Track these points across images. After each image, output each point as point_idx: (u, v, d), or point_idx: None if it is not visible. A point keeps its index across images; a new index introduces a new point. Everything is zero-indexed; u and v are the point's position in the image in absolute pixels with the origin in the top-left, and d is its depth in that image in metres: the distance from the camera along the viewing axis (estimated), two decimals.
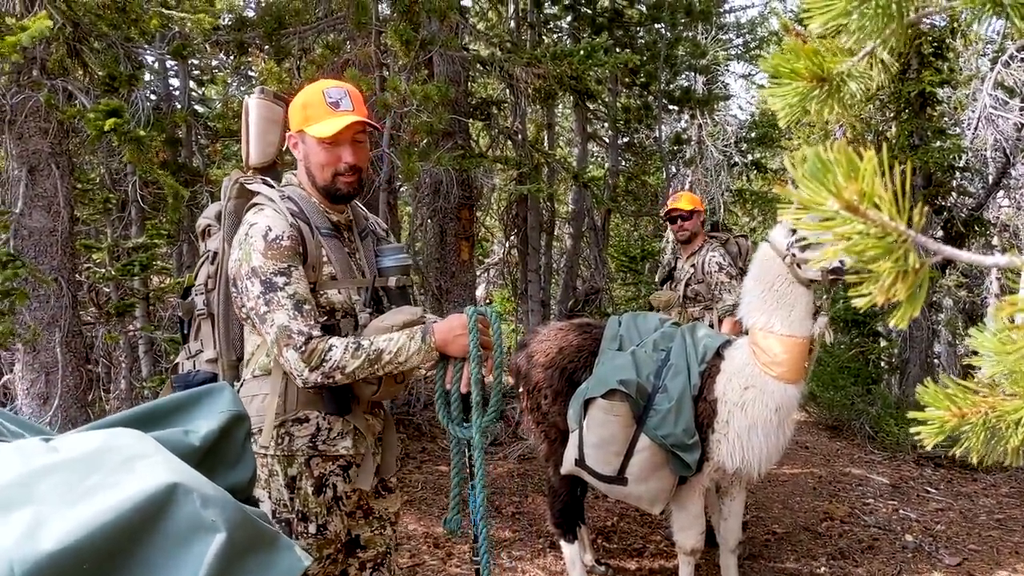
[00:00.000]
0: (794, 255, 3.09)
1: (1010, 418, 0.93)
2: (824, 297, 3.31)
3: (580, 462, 3.47)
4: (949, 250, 0.64)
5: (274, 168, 2.35)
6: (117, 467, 0.92)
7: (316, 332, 2.02)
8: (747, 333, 3.39)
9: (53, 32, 3.96)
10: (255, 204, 2.17)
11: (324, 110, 2.14)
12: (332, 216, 2.24)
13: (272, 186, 2.21)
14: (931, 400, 0.96)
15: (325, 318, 2.11)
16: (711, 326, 4.90)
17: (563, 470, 3.67)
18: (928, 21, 8.56)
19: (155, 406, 1.21)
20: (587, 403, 3.42)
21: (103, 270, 6.94)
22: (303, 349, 1.99)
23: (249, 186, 2.21)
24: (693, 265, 5.03)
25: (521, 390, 4.04)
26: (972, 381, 0.99)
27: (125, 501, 0.85)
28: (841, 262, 2.58)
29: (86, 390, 5.40)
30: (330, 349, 2.01)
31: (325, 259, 2.16)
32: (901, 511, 5.68)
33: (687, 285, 5.04)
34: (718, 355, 3.52)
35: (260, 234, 2.06)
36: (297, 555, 0.98)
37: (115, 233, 7.29)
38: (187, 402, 1.21)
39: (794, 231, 3.07)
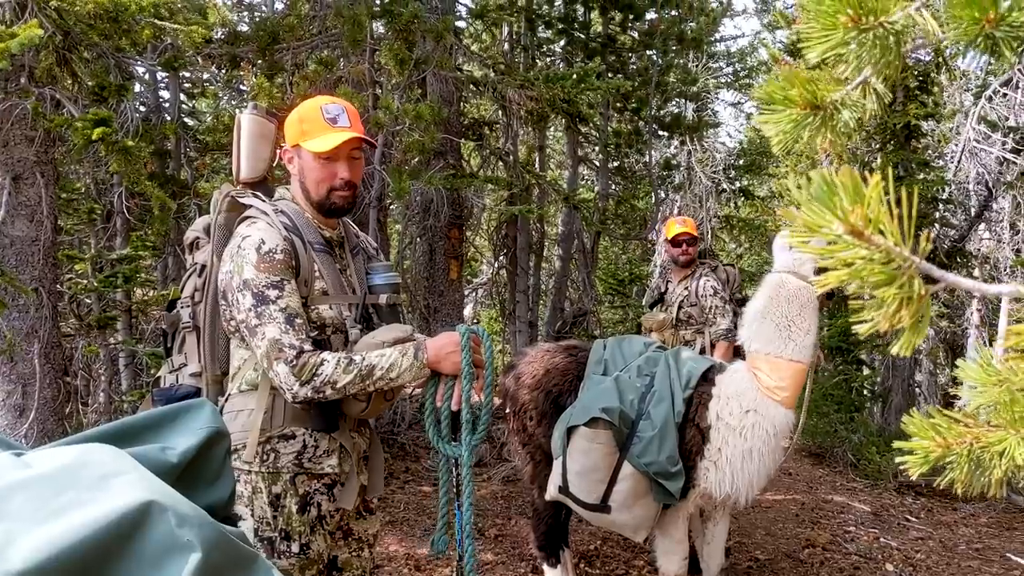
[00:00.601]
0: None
1: (994, 449, 0.92)
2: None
3: (564, 490, 3.43)
4: (952, 277, 0.63)
5: (264, 183, 2.34)
6: (92, 484, 0.89)
7: (307, 346, 2.00)
8: (742, 357, 3.40)
9: (43, 40, 3.93)
10: (248, 217, 2.15)
11: (322, 125, 2.14)
12: (325, 232, 2.23)
13: (264, 200, 2.20)
14: (917, 430, 0.96)
15: (316, 333, 2.09)
16: (703, 349, 4.92)
17: (547, 497, 3.64)
18: (914, 56, 8.70)
19: (132, 421, 1.19)
20: (570, 431, 3.39)
21: (85, 281, 6.88)
22: (294, 363, 1.97)
23: (241, 199, 2.20)
24: (687, 288, 5.06)
25: (508, 411, 4.01)
26: (956, 411, 0.98)
27: (98, 519, 0.82)
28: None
29: (64, 403, 5.32)
30: (321, 364, 1.99)
31: (317, 274, 2.14)
32: (882, 539, 5.67)
33: (680, 308, 5.06)
34: (706, 380, 3.50)
35: (253, 247, 2.04)
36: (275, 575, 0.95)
37: (99, 244, 7.24)
38: (165, 418, 1.19)
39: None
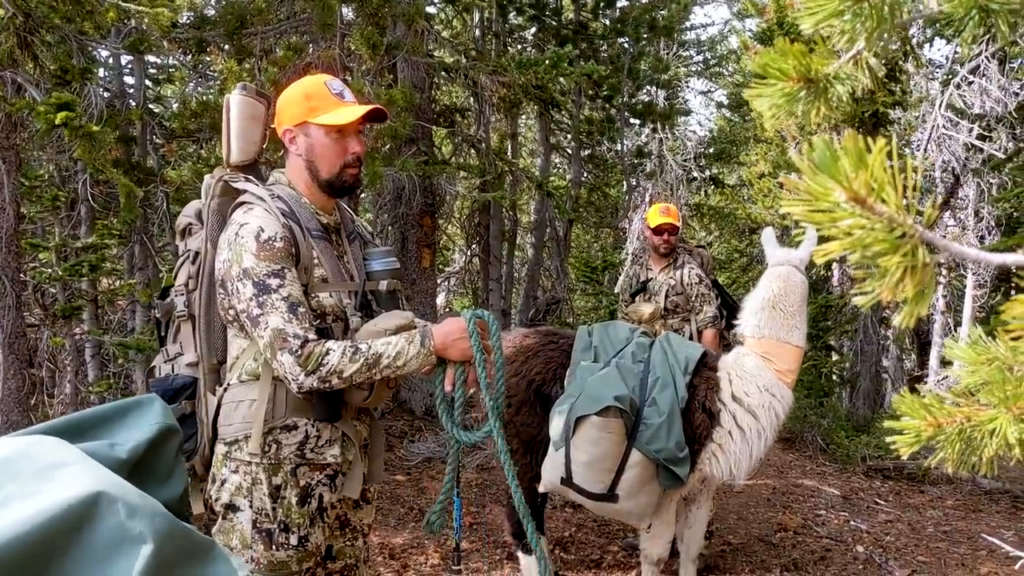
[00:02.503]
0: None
1: (985, 428, 0.92)
2: None
3: (567, 481, 3.38)
4: (956, 247, 0.62)
5: (255, 166, 2.27)
6: (35, 475, 0.85)
7: (312, 335, 1.96)
8: (737, 343, 3.53)
9: (3, 21, 3.81)
10: (244, 203, 2.09)
11: (332, 100, 2.10)
12: (322, 218, 2.18)
13: (258, 184, 2.14)
14: (908, 410, 0.95)
15: (317, 322, 2.05)
16: (690, 337, 4.93)
17: (543, 488, 3.58)
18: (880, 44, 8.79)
19: (80, 417, 1.14)
20: (578, 420, 3.32)
21: (50, 270, 6.72)
22: (299, 353, 1.93)
23: (235, 184, 2.14)
24: (671, 277, 5.06)
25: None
26: (945, 392, 0.98)
27: (43, 512, 0.78)
28: None
29: (29, 394, 5.21)
30: (327, 353, 1.95)
31: (316, 261, 2.10)
32: (852, 522, 5.76)
33: (667, 297, 5.06)
34: (704, 365, 3.55)
35: (252, 234, 1.99)
36: (233, 566, 0.92)
37: (63, 232, 7.06)
38: (114, 413, 1.15)
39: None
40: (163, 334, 2.28)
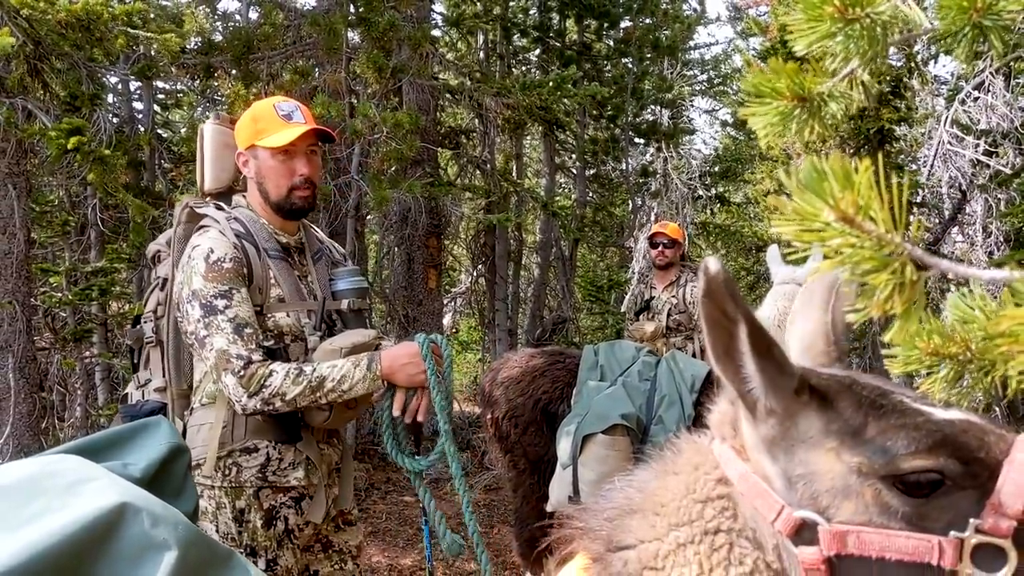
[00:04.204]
0: None
1: (991, 354, 0.85)
2: None
3: (574, 499, 3.38)
4: (946, 263, 0.63)
5: (230, 193, 2.30)
6: (62, 491, 0.89)
7: (256, 356, 1.96)
8: None
9: (14, 49, 3.88)
10: (202, 227, 2.12)
11: (277, 122, 2.11)
12: (281, 238, 2.19)
13: (222, 209, 2.16)
14: (903, 341, 0.90)
15: (272, 342, 2.05)
16: (694, 355, 4.92)
17: (550, 507, 3.58)
18: (885, 61, 8.82)
19: (92, 440, 1.19)
20: (585, 439, 3.31)
21: (60, 294, 6.77)
22: (242, 374, 1.93)
23: (198, 210, 2.17)
24: (674, 296, 5.06)
25: (488, 417, 3.97)
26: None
27: (73, 523, 0.82)
28: None
29: (39, 418, 5.23)
30: (270, 375, 1.94)
31: (272, 281, 2.11)
32: None
33: (669, 315, 5.06)
34: (710, 383, 3.53)
35: (202, 256, 2.01)
36: (252, 574, 0.94)
37: (73, 257, 7.12)
38: (125, 436, 1.19)
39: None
40: (136, 361, 2.29)
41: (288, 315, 2.11)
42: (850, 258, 0.64)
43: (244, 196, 2.24)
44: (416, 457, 2.18)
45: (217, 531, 2.03)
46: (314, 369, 1.98)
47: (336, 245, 2.47)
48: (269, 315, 2.08)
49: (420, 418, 2.12)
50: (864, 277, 0.64)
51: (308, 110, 2.20)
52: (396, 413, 2.11)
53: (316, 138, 2.16)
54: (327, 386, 1.98)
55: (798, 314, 1.16)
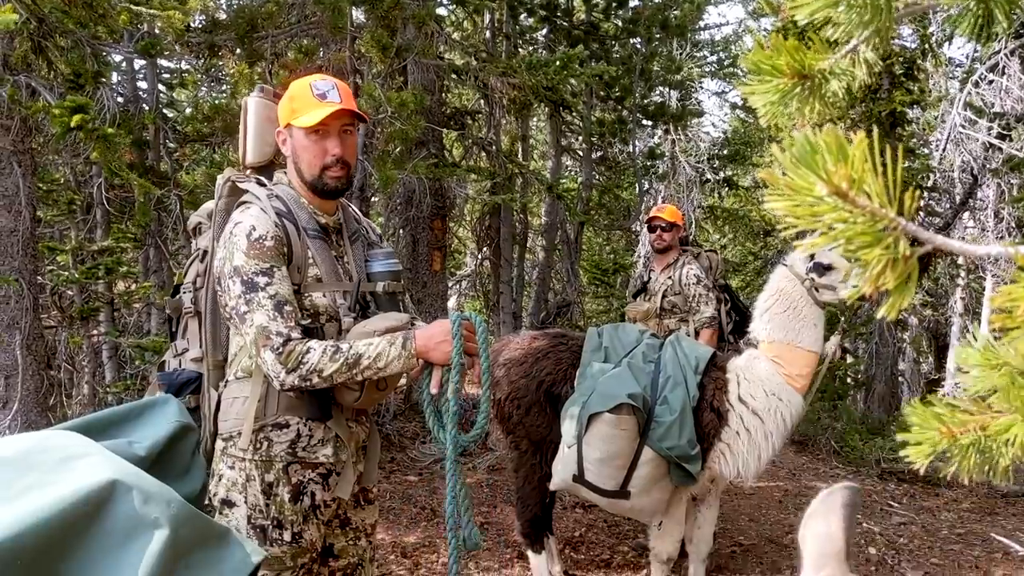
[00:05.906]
0: (812, 279, 3.39)
1: (1001, 437, 0.90)
2: (842, 318, 3.53)
3: (579, 478, 3.40)
4: (940, 239, 0.62)
5: (272, 167, 2.31)
6: (55, 466, 0.90)
7: (295, 334, 1.98)
8: (752, 346, 3.50)
9: (18, 26, 3.86)
10: (243, 202, 2.13)
11: (311, 101, 2.10)
12: (320, 218, 2.20)
13: (264, 185, 2.16)
14: (920, 420, 0.93)
15: (308, 321, 2.06)
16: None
17: (554, 486, 3.61)
18: (899, 42, 8.71)
19: (98, 417, 1.19)
20: (591, 418, 3.36)
21: (67, 273, 6.80)
22: (280, 351, 1.95)
23: (240, 184, 2.17)
24: (670, 277, 5.04)
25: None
26: (958, 399, 0.95)
27: (63, 499, 0.82)
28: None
29: (47, 394, 5.26)
30: (308, 351, 1.97)
31: (311, 261, 2.12)
32: (865, 524, 5.71)
33: (664, 297, 5.04)
34: (714, 366, 3.55)
35: (244, 233, 2.02)
36: (248, 551, 0.95)
37: (80, 235, 7.14)
38: (132, 413, 1.19)
39: (812, 256, 3.35)
40: (173, 330, 2.32)
41: (324, 295, 2.12)
42: (843, 233, 0.62)
43: (284, 173, 2.25)
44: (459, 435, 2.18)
45: (246, 502, 2.06)
46: (351, 347, 2.00)
47: (373, 225, 2.47)
48: (306, 294, 2.09)
49: (432, 390, 2.12)
50: (857, 252, 0.63)
51: (347, 89, 2.19)
52: (434, 391, 2.13)
53: (352, 117, 2.15)
54: (363, 363, 2.00)
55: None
